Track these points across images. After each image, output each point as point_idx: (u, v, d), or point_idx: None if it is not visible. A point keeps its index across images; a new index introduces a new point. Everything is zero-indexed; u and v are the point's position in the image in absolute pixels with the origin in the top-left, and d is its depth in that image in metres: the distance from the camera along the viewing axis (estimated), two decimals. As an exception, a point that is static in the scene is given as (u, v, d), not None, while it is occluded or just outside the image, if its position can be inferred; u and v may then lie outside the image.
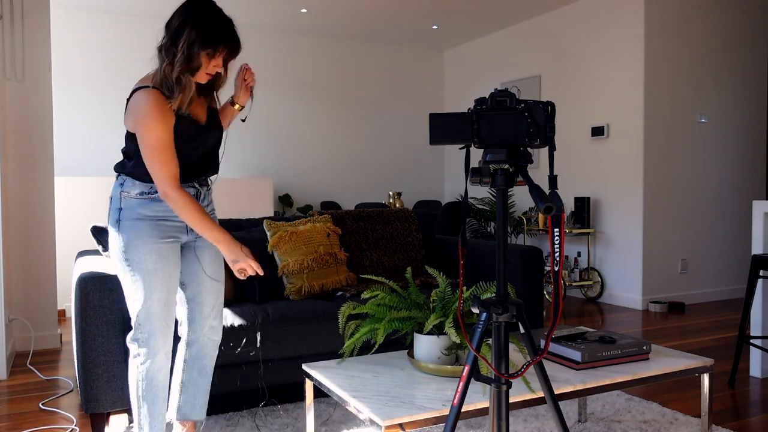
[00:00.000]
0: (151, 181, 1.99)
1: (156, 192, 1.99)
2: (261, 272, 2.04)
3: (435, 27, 6.81)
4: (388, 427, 1.67)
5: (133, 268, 1.99)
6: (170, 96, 1.93)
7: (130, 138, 2.00)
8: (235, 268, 2.03)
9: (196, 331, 2.21)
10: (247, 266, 2.02)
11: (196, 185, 2.11)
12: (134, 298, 2.01)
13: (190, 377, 2.24)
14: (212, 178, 2.19)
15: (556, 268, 1.18)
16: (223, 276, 2.24)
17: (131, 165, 2.03)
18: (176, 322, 2.21)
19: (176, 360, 2.27)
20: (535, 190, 1.11)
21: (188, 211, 1.95)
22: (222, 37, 1.96)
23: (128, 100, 1.98)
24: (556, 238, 1.17)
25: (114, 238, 2.02)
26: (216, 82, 2.11)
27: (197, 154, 2.07)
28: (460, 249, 1.24)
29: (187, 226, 2.07)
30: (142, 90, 1.94)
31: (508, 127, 1.17)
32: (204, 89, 2.09)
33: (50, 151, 4.05)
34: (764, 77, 5.92)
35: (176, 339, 2.27)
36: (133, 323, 2.03)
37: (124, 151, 2.07)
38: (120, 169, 2.08)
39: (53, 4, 5.76)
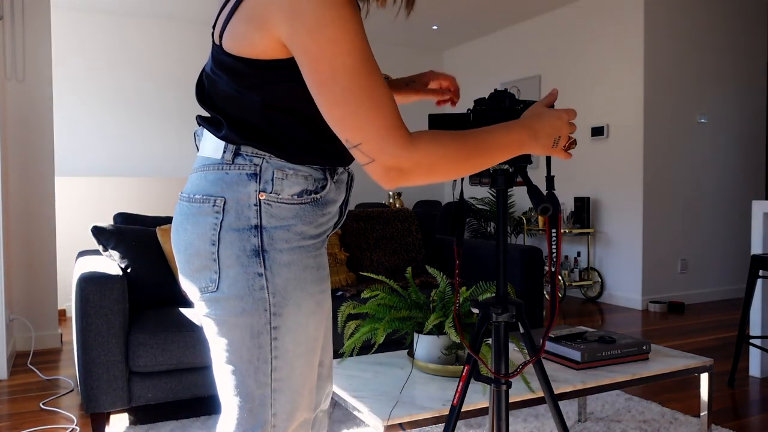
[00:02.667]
0: (314, 155, 1.01)
1: (322, 186, 1.03)
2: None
3: (435, 27, 6.81)
4: (388, 427, 1.68)
5: (282, 338, 1.02)
6: None
7: (253, 72, 0.95)
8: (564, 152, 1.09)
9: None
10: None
11: (348, 169, 1.12)
12: (267, 387, 1.03)
13: None
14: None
15: (553, 269, 1.18)
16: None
17: (270, 126, 0.98)
18: None
19: None
20: (532, 190, 1.11)
21: (450, 162, 0.94)
22: None
23: None
24: (553, 238, 1.17)
25: (246, 287, 0.99)
26: None
27: None
28: (455, 249, 1.24)
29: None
30: None
31: (507, 128, 1.17)
32: None
33: (50, 151, 4.05)
34: (764, 77, 5.93)
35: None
36: (257, 425, 1.04)
37: (237, 107, 0.99)
38: (242, 137, 0.98)
39: (53, 4, 5.78)
